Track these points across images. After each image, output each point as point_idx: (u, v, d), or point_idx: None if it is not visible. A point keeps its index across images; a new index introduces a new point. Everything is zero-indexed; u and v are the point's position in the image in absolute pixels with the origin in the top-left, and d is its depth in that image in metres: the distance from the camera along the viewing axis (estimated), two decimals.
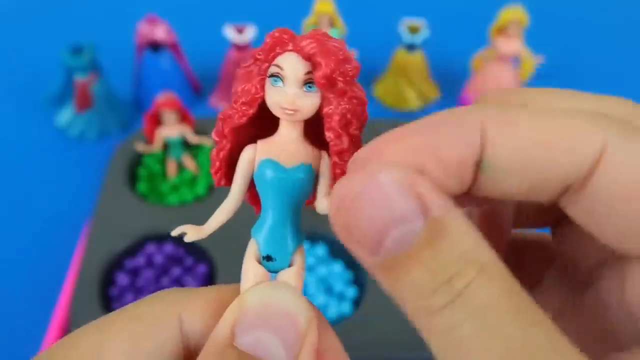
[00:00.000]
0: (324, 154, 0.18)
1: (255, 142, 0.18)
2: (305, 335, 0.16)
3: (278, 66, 0.16)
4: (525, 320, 0.13)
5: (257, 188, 0.18)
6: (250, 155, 0.18)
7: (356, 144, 0.18)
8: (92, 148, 0.70)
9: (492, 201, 0.18)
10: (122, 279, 0.53)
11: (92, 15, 0.91)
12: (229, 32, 0.69)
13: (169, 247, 0.56)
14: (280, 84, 0.16)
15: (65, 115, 0.70)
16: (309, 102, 0.17)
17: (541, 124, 0.15)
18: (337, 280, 0.54)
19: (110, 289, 0.53)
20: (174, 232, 0.19)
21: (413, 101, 0.76)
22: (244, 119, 0.17)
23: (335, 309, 0.53)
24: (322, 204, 0.18)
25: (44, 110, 0.72)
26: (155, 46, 0.70)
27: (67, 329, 0.51)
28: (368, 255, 0.14)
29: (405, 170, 0.14)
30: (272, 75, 0.17)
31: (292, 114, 0.17)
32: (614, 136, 0.14)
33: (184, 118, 0.63)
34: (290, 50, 0.16)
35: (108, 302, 0.53)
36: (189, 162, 0.64)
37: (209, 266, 0.55)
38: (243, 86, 0.17)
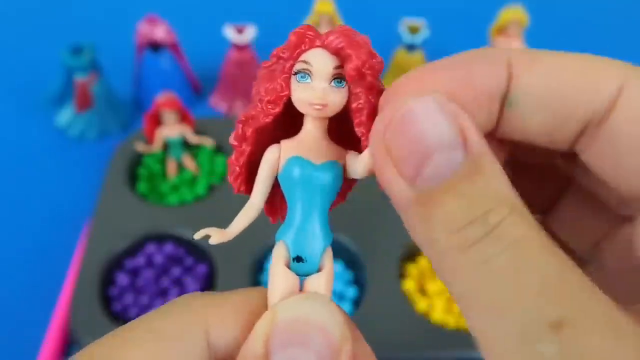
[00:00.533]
0: (350, 152, 0.17)
1: (276, 144, 0.18)
2: (341, 350, 0.15)
3: (305, 62, 0.16)
4: (559, 258, 0.13)
5: (283, 188, 0.17)
6: (275, 155, 0.17)
7: None
8: (92, 148, 0.70)
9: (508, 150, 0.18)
10: (122, 279, 0.53)
11: (92, 15, 0.91)
12: (229, 32, 0.69)
13: (169, 247, 0.56)
14: (308, 79, 0.16)
15: (65, 115, 0.70)
16: (338, 97, 0.17)
17: (564, 62, 0.15)
18: (337, 280, 0.54)
19: (110, 289, 0.53)
20: (198, 235, 0.19)
21: None
22: (270, 118, 0.17)
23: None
24: (359, 163, 0.17)
25: (44, 110, 0.72)
26: (155, 46, 0.70)
27: (67, 329, 0.51)
28: (404, 185, 0.14)
29: (449, 99, 0.14)
30: (298, 72, 0.16)
31: (321, 109, 0.17)
32: (632, 76, 0.15)
33: (184, 118, 0.63)
34: (317, 46, 0.16)
35: (108, 302, 0.53)
36: (189, 162, 0.64)
37: (208, 266, 0.55)
38: (267, 85, 0.17)
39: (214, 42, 0.75)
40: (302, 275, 0.17)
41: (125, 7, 0.92)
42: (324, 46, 0.16)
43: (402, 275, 0.56)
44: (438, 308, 0.53)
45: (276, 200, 0.18)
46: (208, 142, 0.65)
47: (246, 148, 0.18)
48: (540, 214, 0.20)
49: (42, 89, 0.71)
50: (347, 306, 0.53)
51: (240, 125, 0.18)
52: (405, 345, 0.49)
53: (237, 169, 0.18)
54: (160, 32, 0.69)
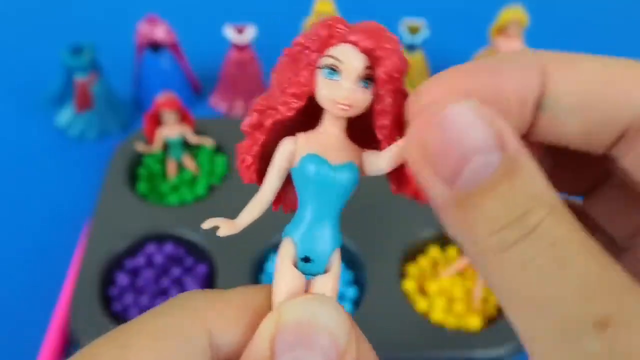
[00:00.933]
0: (366, 151, 0.17)
1: (289, 135, 0.17)
2: (346, 352, 0.15)
3: (335, 58, 0.15)
4: (600, 258, 0.13)
5: (296, 184, 0.17)
6: (291, 148, 0.16)
7: None
8: (92, 148, 0.70)
9: (541, 152, 0.18)
10: (122, 279, 0.53)
11: (92, 15, 0.91)
12: (229, 32, 0.69)
13: (169, 247, 0.56)
14: (336, 77, 0.16)
15: (65, 115, 0.70)
16: (364, 98, 0.16)
17: (602, 64, 0.15)
18: (340, 284, 0.54)
19: (110, 289, 0.53)
20: (206, 225, 0.18)
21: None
22: (292, 112, 0.16)
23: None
24: (382, 159, 0.17)
25: (44, 110, 0.72)
26: (155, 46, 0.70)
27: (67, 329, 0.51)
28: (444, 186, 0.14)
29: (485, 104, 0.14)
30: (326, 67, 0.16)
31: (347, 109, 0.16)
32: None
33: (184, 118, 0.63)
34: (348, 42, 0.16)
35: (108, 302, 0.53)
36: (189, 162, 0.64)
37: (208, 266, 0.55)
38: (290, 76, 0.16)
39: (214, 42, 0.75)
40: (309, 276, 0.17)
41: (125, 7, 0.92)
42: (355, 43, 0.16)
43: (402, 275, 0.56)
44: (438, 308, 0.53)
45: (281, 190, 0.18)
46: (208, 142, 0.65)
47: (260, 137, 0.17)
48: (580, 195, 0.20)
49: (42, 89, 0.71)
50: (347, 306, 0.53)
51: (257, 114, 0.17)
52: (405, 345, 0.49)
53: (249, 158, 0.17)
54: (160, 32, 0.69)
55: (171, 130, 0.62)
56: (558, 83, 0.15)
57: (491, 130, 0.14)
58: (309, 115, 0.17)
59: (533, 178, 0.14)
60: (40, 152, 0.69)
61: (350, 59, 0.15)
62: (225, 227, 0.18)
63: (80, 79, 0.67)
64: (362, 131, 0.17)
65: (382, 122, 0.16)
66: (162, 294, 0.53)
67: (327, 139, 0.16)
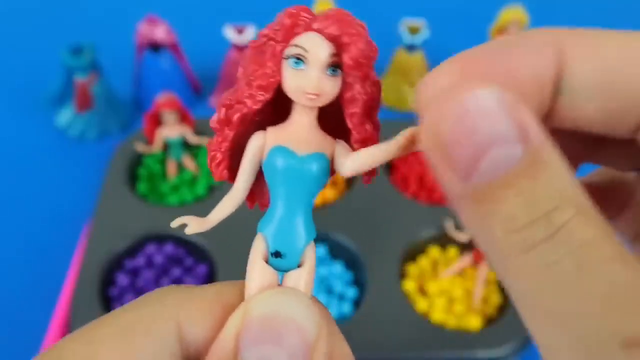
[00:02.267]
0: (339, 142, 0.17)
1: (260, 130, 0.17)
2: (315, 348, 0.15)
3: (300, 47, 0.15)
4: (628, 263, 0.12)
5: (266, 178, 0.17)
6: (260, 142, 0.16)
7: (377, 130, 0.16)
8: (92, 148, 0.70)
9: (564, 135, 0.16)
10: (122, 279, 0.53)
11: (92, 16, 0.91)
12: (229, 33, 0.69)
13: (169, 248, 0.56)
14: (302, 66, 0.15)
15: (66, 116, 0.70)
16: (332, 86, 0.16)
17: (624, 41, 0.14)
18: (337, 280, 0.55)
19: (110, 289, 0.53)
20: (174, 223, 0.18)
21: (413, 102, 0.75)
22: (259, 105, 0.16)
23: (335, 309, 0.53)
24: (348, 163, 0.16)
25: (44, 110, 0.72)
26: (155, 46, 0.70)
27: (67, 329, 0.51)
28: (460, 180, 0.13)
29: (507, 90, 0.13)
30: (291, 57, 0.15)
31: (315, 98, 0.16)
32: None
33: (184, 118, 0.63)
34: (313, 30, 0.15)
35: (108, 302, 0.53)
36: (189, 163, 0.64)
37: (209, 266, 0.55)
38: (256, 69, 0.16)
39: (214, 42, 0.75)
40: (281, 271, 0.17)
41: (126, 7, 0.92)
42: (319, 31, 0.15)
43: (402, 276, 0.56)
44: (438, 308, 0.53)
45: (255, 186, 0.17)
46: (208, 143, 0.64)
47: (229, 133, 0.16)
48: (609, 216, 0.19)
49: (43, 89, 0.71)
50: (347, 306, 0.53)
51: (224, 109, 0.16)
52: (405, 345, 0.49)
53: (219, 155, 0.17)
54: (160, 33, 0.69)
55: (171, 130, 0.62)
56: (577, 63, 0.14)
57: (512, 119, 0.13)
58: (281, 109, 0.17)
59: (559, 174, 0.13)
60: (40, 152, 0.69)
61: (315, 47, 0.15)
62: (195, 225, 0.18)
63: (80, 79, 0.67)
64: (337, 121, 0.17)
65: (352, 110, 0.16)
66: None
67: (296, 130, 0.16)
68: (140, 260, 0.55)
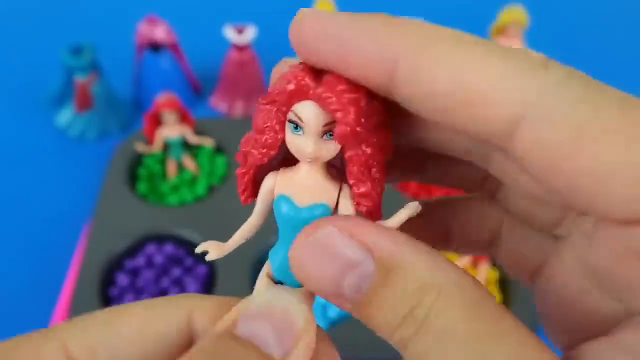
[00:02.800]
0: (344, 188, 0.18)
1: (273, 170, 0.18)
2: (301, 337, 0.16)
3: (298, 116, 0.16)
4: (482, 343, 0.13)
5: (275, 217, 0.18)
6: (270, 186, 0.18)
7: (379, 183, 0.17)
8: (92, 148, 0.70)
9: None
10: (122, 279, 0.53)
11: (92, 16, 0.91)
12: (229, 33, 0.69)
13: (169, 248, 0.56)
14: (300, 132, 0.16)
15: (66, 116, 0.70)
16: (329, 149, 0.17)
17: (457, 68, 0.14)
18: None
19: (110, 289, 0.53)
20: (198, 249, 0.20)
21: None
22: (265, 160, 0.17)
23: (336, 309, 0.53)
24: (346, 212, 0.18)
25: (44, 110, 0.72)
26: (155, 46, 0.70)
27: None
28: (337, 301, 0.15)
29: (341, 222, 0.15)
30: (291, 122, 0.17)
31: (312, 161, 0.17)
32: (534, 92, 0.13)
33: (184, 118, 0.63)
34: (309, 99, 0.16)
35: (108, 302, 0.53)
36: (189, 163, 0.64)
37: (209, 267, 0.55)
38: (264, 124, 0.17)
39: (214, 42, 0.75)
40: None
41: (126, 7, 0.92)
42: (315, 100, 0.16)
43: None
44: None
45: (256, 189, 0.19)
46: (208, 143, 0.65)
47: (249, 171, 0.18)
48: (485, 248, 0.21)
49: (43, 89, 0.71)
50: None
51: (242, 156, 0.18)
52: None
53: (243, 185, 0.18)
54: (160, 33, 0.69)
55: (171, 130, 0.62)
56: (406, 76, 0.14)
57: (355, 245, 0.14)
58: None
59: (414, 269, 0.14)
60: (40, 152, 0.69)
61: (310, 118, 0.16)
62: (214, 252, 0.19)
63: (80, 79, 0.67)
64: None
65: (350, 168, 0.17)
66: (162, 294, 0.53)
67: (300, 181, 0.17)
68: (140, 260, 0.55)
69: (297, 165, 0.18)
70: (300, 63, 0.17)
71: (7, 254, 0.58)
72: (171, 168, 0.64)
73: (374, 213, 0.17)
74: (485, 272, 0.54)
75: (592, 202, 0.13)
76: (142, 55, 0.72)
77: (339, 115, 0.16)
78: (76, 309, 0.50)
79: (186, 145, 0.64)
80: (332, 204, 0.17)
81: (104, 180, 0.61)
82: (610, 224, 0.14)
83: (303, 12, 0.17)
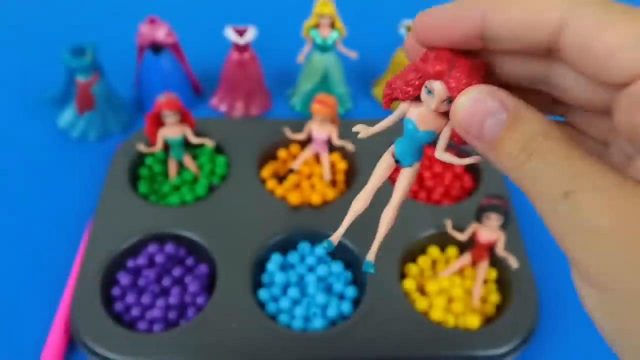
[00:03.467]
0: (448, 122, 0.25)
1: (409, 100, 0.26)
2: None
3: (431, 89, 0.24)
4: (573, 155, 0.19)
5: (404, 128, 0.26)
6: (405, 109, 0.26)
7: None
8: (94, 148, 0.70)
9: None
10: (124, 278, 0.53)
11: (94, 17, 0.91)
12: (230, 34, 0.69)
13: (170, 247, 0.56)
14: (431, 95, 0.24)
15: (67, 116, 0.70)
16: (444, 108, 0.24)
17: (520, 3, 0.21)
18: (337, 280, 0.55)
19: (111, 289, 0.53)
20: (355, 129, 0.26)
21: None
22: (404, 97, 0.25)
23: (335, 309, 0.53)
24: (438, 154, 0.25)
25: (46, 111, 0.72)
26: (156, 47, 0.70)
27: (69, 327, 0.51)
28: (478, 141, 0.21)
29: (488, 87, 0.22)
30: (426, 89, 0.24)
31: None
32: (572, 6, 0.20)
33: (184, 119, 0.63)
34: (439, 80, 0.24)
35: (110, 301, 0.53)
36: (190, 163, 0.64)
37: (209, 266, 0.55)
38: (411, 80, 0.25)
39: (214, 43, 0.75)
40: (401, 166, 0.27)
41: (127, 8, 0.92)
42: (445, 82, 0.24)
43: (402, 275, 0.56)
44: (438, 307, 0.53)
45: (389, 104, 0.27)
46: (209, 143, 0.65)
47: (392, 93, 0.26)
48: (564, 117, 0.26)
49: (45, 90, 0.71)
50: (347, 306, 0.53)
51: (387, 89, 0.26)
52: (405, 343, 0.49)
53: (386, 97, 0.26)
54: (161, 34, 0.69)
55: (172, 130, 0.62)
56: (492, 27, 0.21)
57: (495, 100, 0.21)
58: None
59: (530, 120, 0.21)
60: (42, 153, 0.69)
61: (439, 92, 0.24)
62: (363, 131, 0.27)
63: (82, 79, 0.67)
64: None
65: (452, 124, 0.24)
66: (164, 294, 0.53)
67: (423, 113, 0.25)
68: (141, 260, 0.55)
69: (423, 106, 0.25)
70: (442, 49, 0.24)
71: (9, 253, 0.58)
72: (172, 168, 0.64)
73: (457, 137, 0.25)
74: (484, 271, 0.54)
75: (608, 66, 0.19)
76: (143, 56, 0.72)
77: (453, 92, 0.24)
78: (78, 308, 0.50)
79: (187, 146, 0.64)
80: (438, 132, 0.25)
81: (105, 180, 0.61)
82: None
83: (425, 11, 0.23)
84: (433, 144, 0.28)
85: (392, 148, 0.27)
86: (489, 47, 0.23)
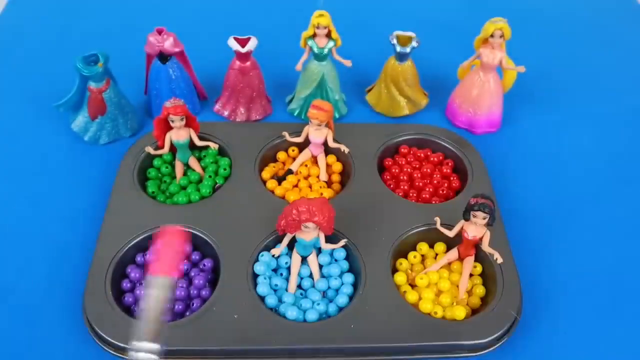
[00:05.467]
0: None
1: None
2: None
3: (305, 225, 0.37)
4: None
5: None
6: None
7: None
8: (105, 151, 0.70)
9: None
10: (134, 272, 0.53)
11: (106, 28, 0.91)
12: (233, 44, 0.70)
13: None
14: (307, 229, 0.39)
15: (80, 121, 0.70)
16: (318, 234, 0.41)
17: None
18: (333, 275, 0.55)
19: (122, 283, 0.53)
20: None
21: (403, 108, 0.76)
22: (294, 228, 0.36)
23: (335, 305, 0.53)
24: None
25: (61, 116, 0.72)
26: (163, 56, 0.70)
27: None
28: None
29: None
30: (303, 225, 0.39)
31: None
32: None
33: (190, 123, 0.63)
34: (310, 221, 0.37)
35: (120, 294, 0.53)
36: (195, 164, 0.64)
37: (214, 261, 0.55)
38: (288, 225, 0.39)
39: (218, 52, 0.75)
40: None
41: (137, 20, 0.92)
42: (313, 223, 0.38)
43: (393, 269, 0.56)
44: (426, 300, 0.53)
45: None
46: (213, 145, 0.65)
47: (284, 230, 0.41)
48: None
49: (59, 96, 0.71)
50: (343, 298, 0.53)
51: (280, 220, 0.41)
52: (396, 333, 0.49)
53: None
54: (168, 43, 0.69)
55: (178, 134, 0.62)
56: None
57: None
58: None
59: None
60: (57, 155, 0.69)
61: (309, 227, 0.38)
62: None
63: (94, 86, 0.67)
64: None
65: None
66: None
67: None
68: (150, 255, 0.55)
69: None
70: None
71: (25, 251, 0.58)
72: (179, 169, 0.64)
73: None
74: (470, 265, 0.55)
75: None
76: (152, 64, 0.72)
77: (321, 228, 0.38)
78: (91, 301, 0.50)
79: (193, 148, 0.64)
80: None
81: (116, 181, 0.61)
82: None
83: None
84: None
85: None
86: None
